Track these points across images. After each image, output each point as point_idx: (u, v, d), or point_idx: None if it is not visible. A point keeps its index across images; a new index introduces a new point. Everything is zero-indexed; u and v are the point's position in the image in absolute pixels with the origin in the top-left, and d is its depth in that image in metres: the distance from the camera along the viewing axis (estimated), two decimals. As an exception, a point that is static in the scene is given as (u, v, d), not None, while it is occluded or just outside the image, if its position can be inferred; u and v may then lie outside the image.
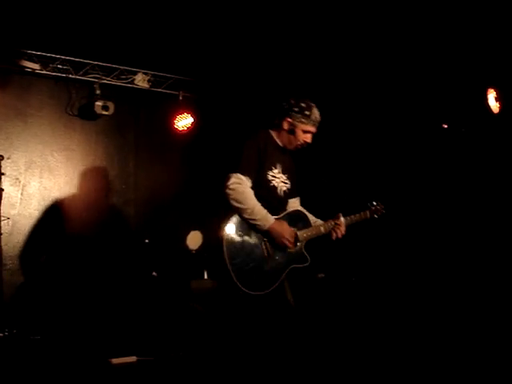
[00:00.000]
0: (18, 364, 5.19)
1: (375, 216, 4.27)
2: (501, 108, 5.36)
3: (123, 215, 7.43)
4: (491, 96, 5.41)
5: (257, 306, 3.76)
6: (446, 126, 5.20)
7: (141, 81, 7.40)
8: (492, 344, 4.88)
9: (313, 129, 3.98)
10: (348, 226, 4.09)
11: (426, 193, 5.97)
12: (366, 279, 6.16)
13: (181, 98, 7.53)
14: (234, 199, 3.70)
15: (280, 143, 4.03)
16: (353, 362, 4.92)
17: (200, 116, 7.57)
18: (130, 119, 7.61)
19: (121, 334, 6.00)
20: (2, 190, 5.96)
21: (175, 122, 7.50)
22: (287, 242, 3.79)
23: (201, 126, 7.57)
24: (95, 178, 7.27)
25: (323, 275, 6.31)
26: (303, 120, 3.94)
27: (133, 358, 5.60)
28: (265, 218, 3.74)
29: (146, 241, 6.90)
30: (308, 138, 3.98)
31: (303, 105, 3.96)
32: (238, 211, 3.72)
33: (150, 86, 7.52)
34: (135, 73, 7.37)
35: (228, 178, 3.75)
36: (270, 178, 3.93)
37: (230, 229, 3.71)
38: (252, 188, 3.80)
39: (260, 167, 3.88)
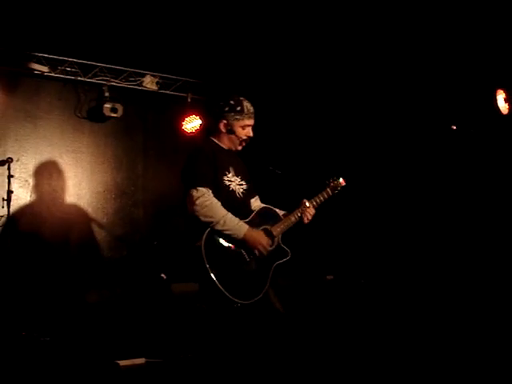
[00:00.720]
0: (28, 365, 5.20)
1: (336, 191, 4.16)
2: (510, 109, 5.33)
3: (132, 217, 7.44)
4: (500, 97, 5.39)
5: (245, 314, 3.73)
6: (455, 128, 5.19)
7: (149, 83, 7.41)
8: (493, 344, 4.86)
9: (250, 121, 3.91)
10: (318, 208, 4.04)
11: (435, 194, 5.96)
12: (375, 281, 6.14)
13: (189, 100, 7.55)
14: (202, 215, 3.63)
15: (225, 147, 3.95)
16: (361, 363, 4.90)
17: (208, 118, 7.56)
18: (138, 121, 7.62)
19: (129, 336, 6.00)
20: (12, 191, 5.97)
21: (183, 124, 7.51)
22: (263, 250, 3.73)
23: (209, 128, 7.56)
24: (104, 179, 7.28)
25: (332, 277, 6.30)
26: (237, 117, 3.88)
27: (141, 360, 5.60)
28: (238, 226, 3.68)
29: (155, 243, 6.90)
30: (249, 132, 3.93)
31: (232, 102, 3.90)
32: (210, 225, 3.64)
33: (159, 88, 7.54)
34: (143, 75, 7.39)
35: (190, 195, 3.68)
36: (227, 182, 3.85)
37: (207, 243, 3.62)
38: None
39: (214, 175, 3.81)
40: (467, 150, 5.70)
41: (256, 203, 4.11)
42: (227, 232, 3.66)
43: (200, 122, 7.45)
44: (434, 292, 5.76)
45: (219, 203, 3.70)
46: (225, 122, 3.91)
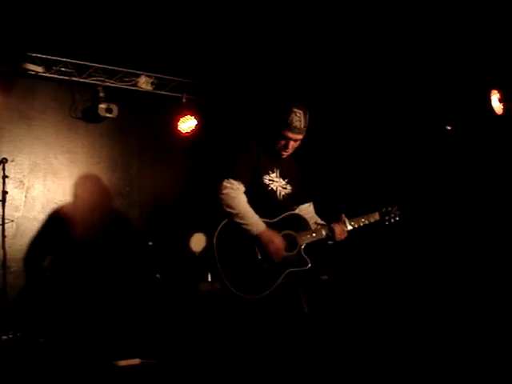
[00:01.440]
0: (23, 366, 5.20)
1: (387, 219, 4.18)
2: (504, 109, 5.34)
3: (127, 218, 7.43)
4: (495, 97, 5.39)
5: (255, 309, 3.75)
6: (449, 128, 5.20)
7: (144, 83, 7.41)
8: (493, 344, 4.87)
9: (291, 135, 3.86)
10: (355, 229, 4.04)
11: (429, 194, 5.96)
12: (370, 281, 6.15)
13: (184, 100, 7.54)
14: (225, 204, 3.70)
15: (273, 149, 3.97)
16: (356, 363, 4.91)
17: (203, 118, 7.57)
18: (133, 122, 7.62)
19: (125, 337, 6.01)
20: (6, 192, 5.97)
21: (179, 124, 7.50)
22: (274, 251, 3.73)
23: (204, 128, 7.57)
24: (99, 180, 7.28)
25: (326, 277, 6.30)
26: (280, 126, 3.85)
27: (136, 361, 5.61)
28: (256, 223, 3.71)
29: (150, 243, 6.90)
30: (287, 144, 3.88)
31: (283, 109, 3.87)
32: (230, 216, 3.70)
33: (154, 89, 7.53)
34: (138, 75, 7.38)
35: (221, 184, 3.75)
36: (268, 181, 3.90)
37: (222, 233, 3.69)
38: (247, 193, 3.79)
39: (255, 171, 3.86)
40: (462, 150, 5.70)
41: (307, 210, 4.13)
42: (244, 226, 3.69)
43: (195, 122, 7.45)
44: (430, 292, 5.76)
45: (244, 198, 3.77)
46: (271, 127, 3.93)
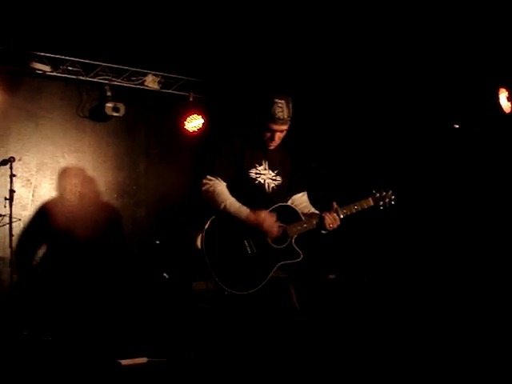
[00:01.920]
0: (29, 364, 5.21)
1: (381, 204, 4.07)
2: (513, 108, 5.32)
3: (134, 216, 7.44)
4: (503, 96, 5.37)
5: (248, 305, 3.73)
6: (457, 126, 5.17)
7: (151, 82, 7.41)
8: (493, 344, 4.86)
9: (276, 126, 3.81)
10: (350, 216, 3.95)
11: (438, 193, 5.94)
12: (378, 280, 6.13)
13: (191, 99, 7.54)
14: (208, 199, 3.73)
15: (260, 142, 3.93)
16: (362, 362, 4.90)
17: (210, 117, 7.56)
18: (140, 120, 7.62)
19: (131, 335, 6.01)
20: (14, 191, 5.98)
21: (185, 123, 7.50)
22: (268, 228, 3.69)
23: (211, 127, 7.57)
24: (106, 179, 7.29)
25: (334, 276, 6.29)
26: (263, 119, 3.82)
27: (143, 360, 5.61)
28: (238, 210, 3.70)
29: (157, 242, 6.90)
30: (273, 136, 3.85)
31: (265, 101, 3.83)
32: (214, 209, 3.71)
33: (161, 88, 7.53)
34: (145, 74, 7.38)
35: (201, 182, 3.78)
36: (254, 175, 3.86)
37: (209, 230, 3.69)
38: (234, 188, 3.79)
39: (239, 166, 3.84)
40: (470, 148, 5.68)
41: (301, 199, 4.08)
42: (232, 214, 3.69)
43: (202, 121, 7.45)
44: (436, 291, 5.75)
45: (224, 190, 3.76)
46: (255, 120, 3.91)
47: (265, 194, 3.89)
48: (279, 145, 3.97)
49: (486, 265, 5.48)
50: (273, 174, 3.95)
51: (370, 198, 4.06)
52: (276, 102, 3.78)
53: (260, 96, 3.95)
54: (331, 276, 6.29)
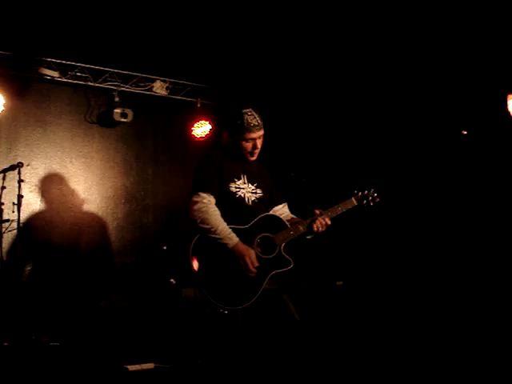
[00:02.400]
0: (37, 369, 5.21)
1: (364, 202, 4.06)
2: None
3: (141, 222, 7.45)
4: (511, 102, 5.36)
5: (243, 319, 3.73)
6: (465, 133, 5.16)
7: (159, 88, 7.43)
8: (492, 344, 4.84)
9: (252, 135, 3.83)
10: (336, 218, 3.96)
11: (447, 199, 5.93)
12: (386, 286, 6.11)
13: (199, 105, 7.55)
14: (198, 219, 3.71)
15: (238, 155, 3.94)
16: (369, 368, 4.88)
17: (218, 123, 7.57)
18: (148, 126, 7.64)
19: (138, 341, 6.00)
20: (22, 196, 5.99)
21: (193, 129, 7.52)
22: (249, 265, 3.68)
23: (218, 133, 7.57)
24: (114, 184, 7.30)
25: (342, 283, 6.27)
26: (237, 131, 3.84)
27: (150, 365, 5.59)
28: (228, 237, 3.69)
29: (164, 247, 6.90)
30: (254, 144, 3.86)
31: (233, 115, 3.86)
32: (203, 231, 3.71)
33: (168, 94, 7.55)
34: (153, 80, 7.40)
35: (191, 200, 3.79)
36: (234, 189, 3.87)
37: (197, 247, 3.70)
38: (217, 204, 3.79)
39: (220, 181, 3.85)
40: (478, 155, 5.66)
41: (282, 210, 4.08)
42: (219, 241, 3.69)
43: (210, 127, 7.46)
44: (443, 298, 5.72)
45: (217, 211, 3.76)
46: (227, 134, 3.92)
47: (246, 207, 3.89)
48: (256, 158, 3.97)
49: (498, 271, 5.46)
50: (252, 188, 3.95)
51: (353, 198, 4.07)
52: (245, 112, 3.83)
53: (228, 112, 3.97)
54: (339, 282, 6.27)
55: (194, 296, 3.85)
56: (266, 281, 3.73)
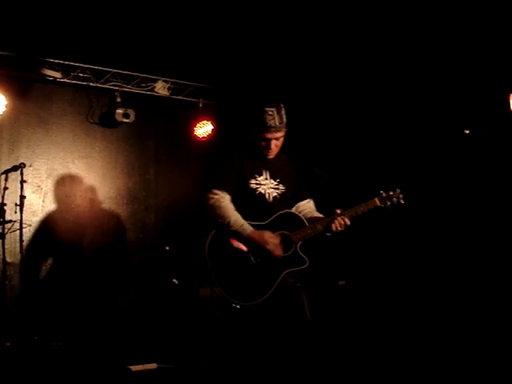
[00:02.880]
0: (40, 370, 5.21)
1: (388, 203, 4.00)
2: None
3: (143, 222, 7.45)
4: (513, 101, 5.36)
5: (256, 315, 3.71)
6: (467, 132, 5.15)
7: (161, 88, 7.43)
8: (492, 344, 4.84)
9: (269, 135, 3.83)
10: (356, 218, 3.92)
11: (449, 199, 5.92)
12: (388, 286, 6.11)
13: (201, 105, 7.55)
14: (211, 215, 3.73)
15: (258, 152, 3.94)
16: (372, 368, 4.88)
17: (220, 123, 7.57)
18: (150, 127, 7.64)
19: (141, 341, 6.01)
20: (24, 197, 5.99)
21: (195, 129, 7.52)
22: (272, 248, 3.71)
23: (221, 133, 7.57)
24: (116, 185, 7.30)
25: (344, 283, 6.27)
26: (256, 129, 3.86)
27: (153, 365, 5.60)
28: (241, 228, 3.69)
29: (167, 248, 6.90)
30: (269, 145, 3.85)
31: (255, 112, 3.86)
32: (218, 225, 3.71)
33: (170, 94, 7.55)
34: (155, 80, 7.41)
35: (206, 196, 3.78)
36: (254, 186, 3.86)
37: (213, 243, 3.71)
38: (236, 200, 3.79)
39: (240, 178, 3.85)
40: (480, 154, 5.66)
41: (305, 206, 4.06)
42: (235, 233, 3.70)
43: (211, 127, 7.46)
44: (446, 297, 5.72)
45: (230, 205, 3.76)
46: (251, 131, 3.93)
47: (266, 203, 3.88)
48: (280, 153, 3.97)
49: (505, 273, 5.44)
50: (274, 183, 3.94)
51: (376, 199, 4.01)
52: (266, 111, 3.80)
53: (251, 107, 3.96)
54: (341, 282, 6.27)
55: (211, 295, 3.86)
56: (280, 278, 3.73)
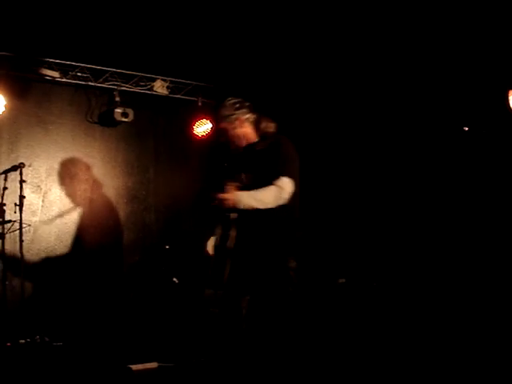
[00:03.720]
0: (41, 370, 5.22)
1: None
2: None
3: (143, 222, 7.45)
4: (512, 98, 5.34)
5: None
6: (466, 129, 5.15)
7: (160, 87, 7.43)
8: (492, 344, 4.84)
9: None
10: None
11: (448, 196, 5.92)
12: (388, 284, 6.11)
13: (200, 104, 7.54)
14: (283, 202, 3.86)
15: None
16: (371, 366, 4.88)
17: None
18: (149, 126, 7.64)
19: (142, 340, 6.01)
20: (24, 197, 5.99)
21: (194, 128, 7.51)
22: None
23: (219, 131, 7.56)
24: (115, 184, 7.30)
25: (344, 280, 6.27)
26: None
27: (154, 364, 5.61)
28: None
29: (167, 247, 6.91)
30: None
31: None
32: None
33: (169, 93, 7.55)
34: (154, 79, 7.40)
35: (287, 183, 3.89)
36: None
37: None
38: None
39: None
40: (479, 151, 5.65)
41: None
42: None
43: (211, 125, 7.45)
44: (446, 295, 5.72)
45: None
46: None
47: None
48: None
49: (504, 270, 5.44)
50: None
51: None
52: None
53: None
54: (341, 280, 6.27)
55: (214, 294, 3.89)
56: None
